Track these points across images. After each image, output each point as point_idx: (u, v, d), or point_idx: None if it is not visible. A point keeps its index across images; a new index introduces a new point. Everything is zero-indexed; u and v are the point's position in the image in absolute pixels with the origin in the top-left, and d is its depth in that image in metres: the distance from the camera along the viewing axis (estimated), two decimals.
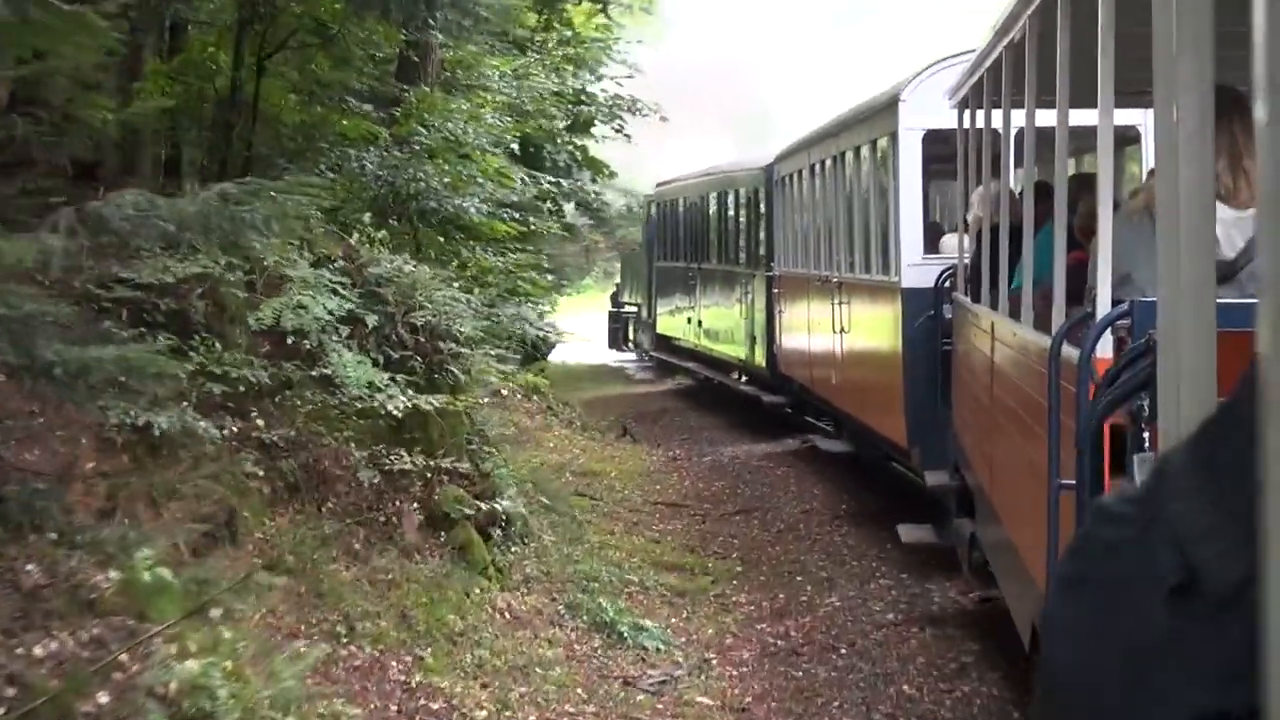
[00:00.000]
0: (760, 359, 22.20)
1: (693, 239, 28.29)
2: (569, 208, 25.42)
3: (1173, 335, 3.25)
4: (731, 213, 25.32)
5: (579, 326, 39.91)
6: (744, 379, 24.40)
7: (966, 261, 11.42)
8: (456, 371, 11.26)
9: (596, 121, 27.05)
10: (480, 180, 15.57)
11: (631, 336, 36.28)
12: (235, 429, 8.85)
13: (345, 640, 8.33)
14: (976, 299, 10.26)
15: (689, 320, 28.24)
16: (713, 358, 26.70)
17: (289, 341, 9.79)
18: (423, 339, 11.13)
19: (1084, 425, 5.20)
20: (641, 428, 23.80)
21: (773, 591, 12.90)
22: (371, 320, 10.67)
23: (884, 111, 14.52)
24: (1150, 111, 7.89)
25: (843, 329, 15.94)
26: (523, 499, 12.66)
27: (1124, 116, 9.49)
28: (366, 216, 12.72)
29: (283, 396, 9.55)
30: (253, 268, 9.92)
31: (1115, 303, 5.52)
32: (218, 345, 9.22)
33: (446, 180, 14.54)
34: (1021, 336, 7.73)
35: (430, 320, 11.20)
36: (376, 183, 14.15)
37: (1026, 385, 7.42)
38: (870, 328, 14.97)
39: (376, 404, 9.75)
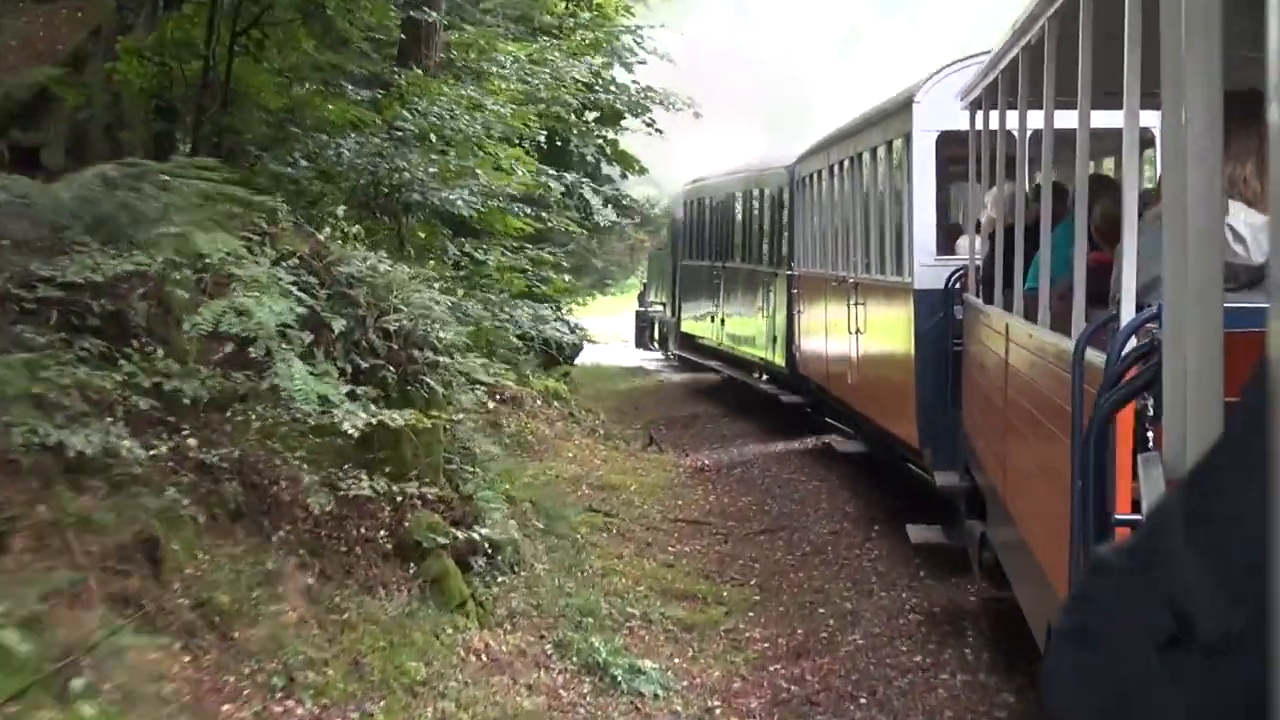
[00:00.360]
0: (780, 359, 22.48)
1: (717, 238, 28.75)
2: (597, 202, 23.92)
3: (1178, 335, 3.38)
4: (755, 212, 25.60)
5: (621, 326, 39.70)
6: (764, 378, 24.72)
7: (979, 262, 11.50)
8: (434, 383, 10.14)
9: (626, 115, 25.23)
10: (478, 172, 14.28)
11: (656, 335, 36.82)
12: (169, 448, 7.83)
13: (280, 695, 7.15)
14: (989, 300, 10.28)
15: (712, 319, 28.76)
16: (735, 357, 27.06)
17: (249, 351, 8.53)
18: (396, 346, 9.96)
19: (1090, 423, 5.27)
20: (671, 434, 22.91)
21: (791, 625, 11.90)
22: (339, 325, 9.29)
23: (899, 113, 14.78)
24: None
25: (859, 330, 16.10)
26: (515, 522, 11.51)
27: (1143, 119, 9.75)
28: (340, 209, 11.39)
29: (233, 411, 8.55)
30: (204, 266, 8.75)
31: (1141, 307, 5.50)
32: (160, 352, 8.21)
33: (433, 171, 13.33)
34: (1039, 338, 7.72)
35: (405, 325, 10.01)
36: (356, 172, 12.79)
37: (1043, 387, 7.47)
38: (885, 329, 15.12)
39: (335, 419, 8.47)
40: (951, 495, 12.55)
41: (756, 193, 25.52)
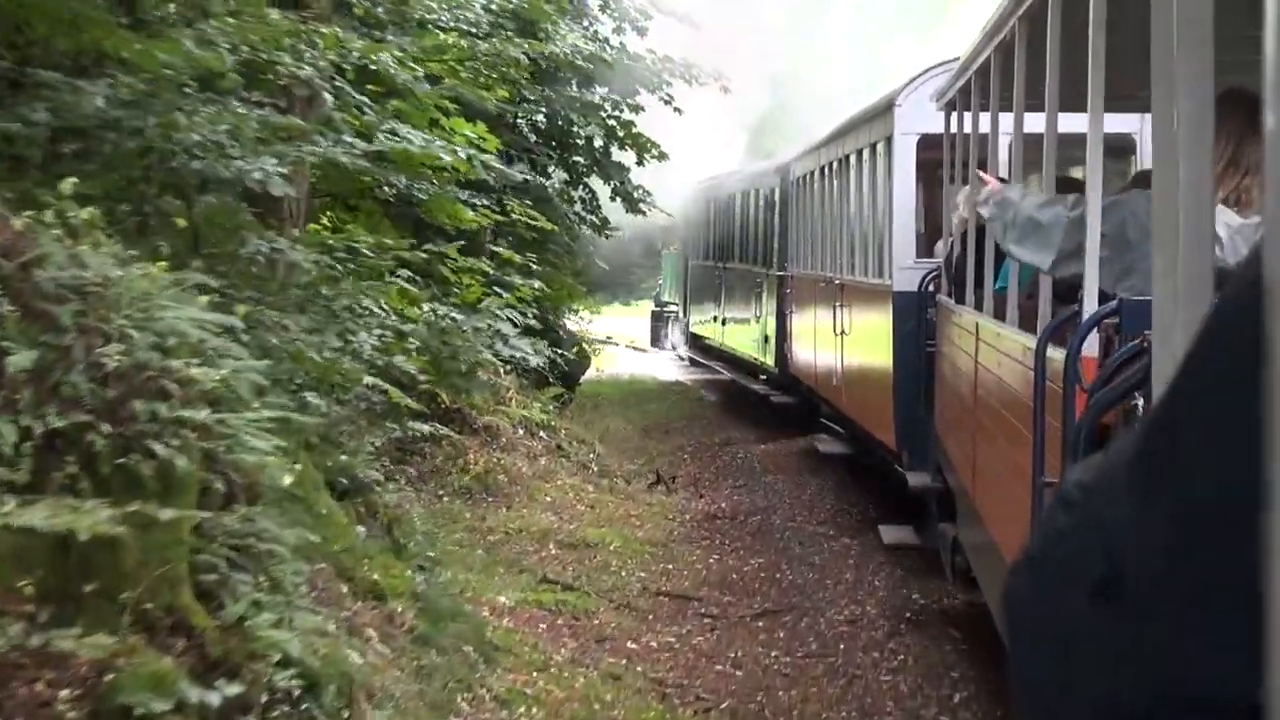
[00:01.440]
0: (771, 359, 22.65)
1: (721, 239, 29.02)
2: (605, 193, 21.71)
3: (1168, 336, 3.28)
4: (751, 213, 25.76)
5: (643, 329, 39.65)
6: (762, 378, 24.91)
7: (951, 263, 11.49)
8: (171, 454, 5.87)
9: (640, 91, 21.06)
10: (328, 135, 10.02)
11: (669, 335, 37.16)
12: None
13: None
14: (960, 300, 10.34)
15: (715, 319, 29.19)
16: (735, 357, 27.37)
17: None
18: (116, 393, 6.01)
19: (1076, 425, 5.18)
20: (694, 466, 19.55)
21: None
22: (22, 360, 5.73)
23: (881, 116, 14.98)
24: (1147, 117, 8.26)
25: (844, 331, 16.25)
26: (357, 640, 7.38)
27: (1120, 123, 10.29)
28: (68, 184, 6.74)
29: None
30: None
31: (1112, 297, 5.55)
32: None
33: (226, 129, 8.46)
34: (1006, 337, 7.78)
35: (137, 361, 6.11)
36: (117, 131, 8.18)
37: (1011, 386, 7.52)
38: (867, 330, 15.26)
39: None
40: (924, 497, 12.62)
41: (753, 194, 25.70)
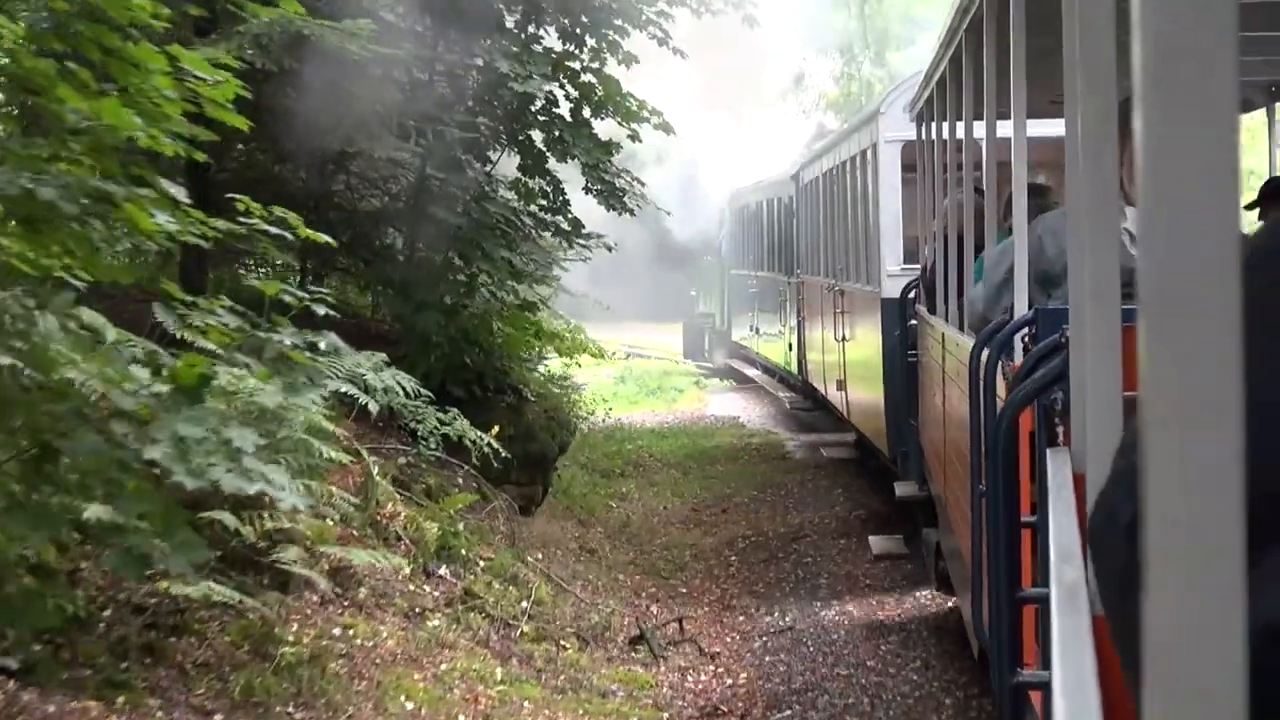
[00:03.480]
0: (794, 366, 22.68)
1: (754, 246, 29.12)
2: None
3: (1081, 332, 3.43)
4: (774, 221, 25.92)
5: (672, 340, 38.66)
6: (791, 386, 24.99)
7: (926, 272, 11.60)
8: None
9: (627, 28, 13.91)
10: None
11: (706, 346, 36.73)
12: None
13: None
14: (932, 310, 10.39)
15: (751, 328, 29.30)
16: (768, 365, 27.56)
17: None
18: None
19: (994, 425, 5.13)
20: (742, 573, 13.35)
21: None
22: None
23: (868, 123, 15.10)
24: None
25: (845, 337, 16.26)
26: None
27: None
28: None
29: None
30: None
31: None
32: None
33: None
34: (961, 344, 7.81)
35: None
36: None
37: (964, 391, 7.54)
38: (862, 337, 15.29)
39: None
40: (910, 505, 12.71)
41: (775, 201, 25.88)
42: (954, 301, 8.80)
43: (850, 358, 16.16)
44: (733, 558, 13.84)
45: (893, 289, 13.42)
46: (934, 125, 10.51)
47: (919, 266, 13.17)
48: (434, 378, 11.86)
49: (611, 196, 14.00)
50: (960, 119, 8.27)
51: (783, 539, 14.34)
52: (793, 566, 13.24)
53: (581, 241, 14.35)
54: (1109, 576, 1.20)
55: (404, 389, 10.04)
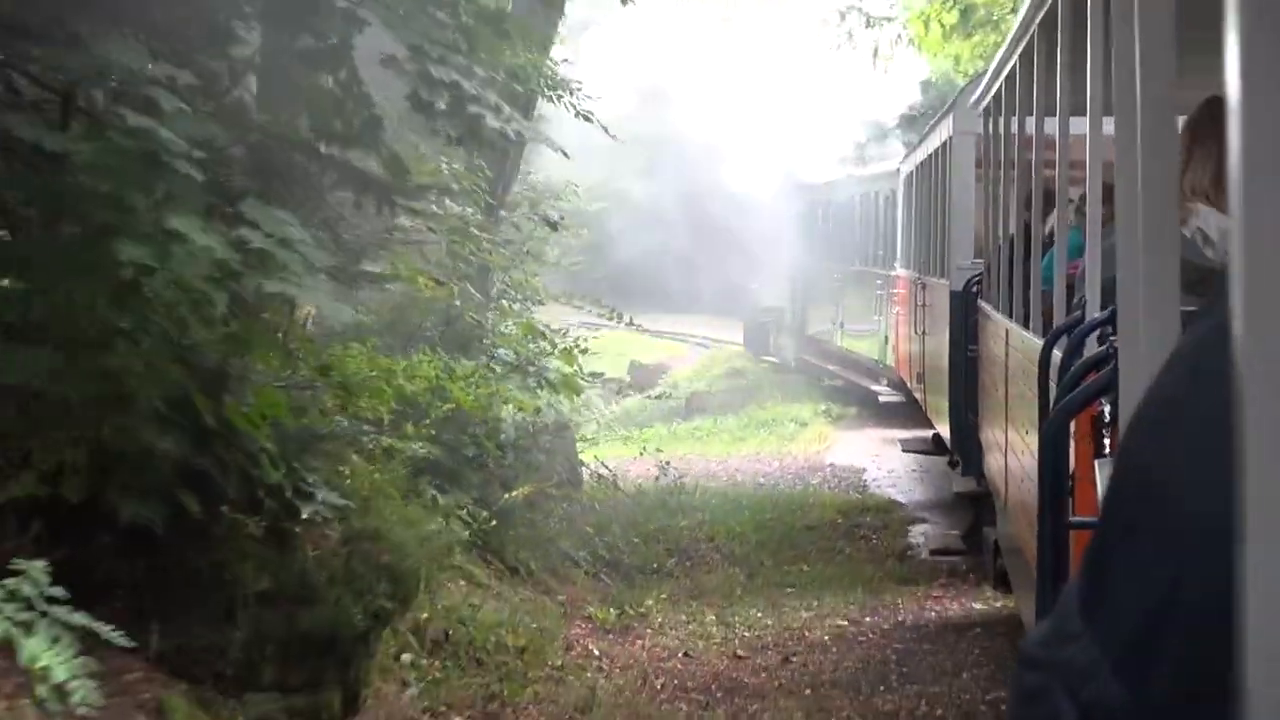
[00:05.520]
0: (890, 359, 22.68)
1: (839, 240, 29.09)
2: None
3: (1133, 341, 3.30)
4: (872, 215, 25.94)
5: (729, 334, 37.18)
6: (883, 383, 24.77)
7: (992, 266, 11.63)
8: None
9: None
10: None
11: (771, 342, 36.33)
12: None
13: None
14: (996, 306, 10.34)
15: (833, 322, 29.06)
16: (853, 359, 27.31)
17: None
18: None
19: (1046, 430, 5.09)
20: None
21: None
22: None
23: (945, 116, 15.24)
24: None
25: (924, 331, 16.31)
26: None
27: None
28: None
29: None
30: None
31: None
32: None
33: None
34: (1027, 341, 7.80)
35: None
36: None
37: (1029, 390, 7.48)
38: (936, 331, 15.31)
39: None
40: (969, 501, 12.69)
41: (873, 195, 25.96)
42: (1019, 298, 8.75)
43: (927, 350, 16.28)
44: None
45: (961, 283, 13.44)
46: (1000, 120, 10.46)
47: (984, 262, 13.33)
48: (75, 486, 5.91)
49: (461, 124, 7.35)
50: (1031, 114, 8.20)
51: None
52: None
53: (414, 206, 8.40)
54: None
55: None
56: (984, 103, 11.67)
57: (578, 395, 10.81)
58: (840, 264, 28.50)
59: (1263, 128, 0.69)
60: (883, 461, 19.18)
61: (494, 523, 10.54)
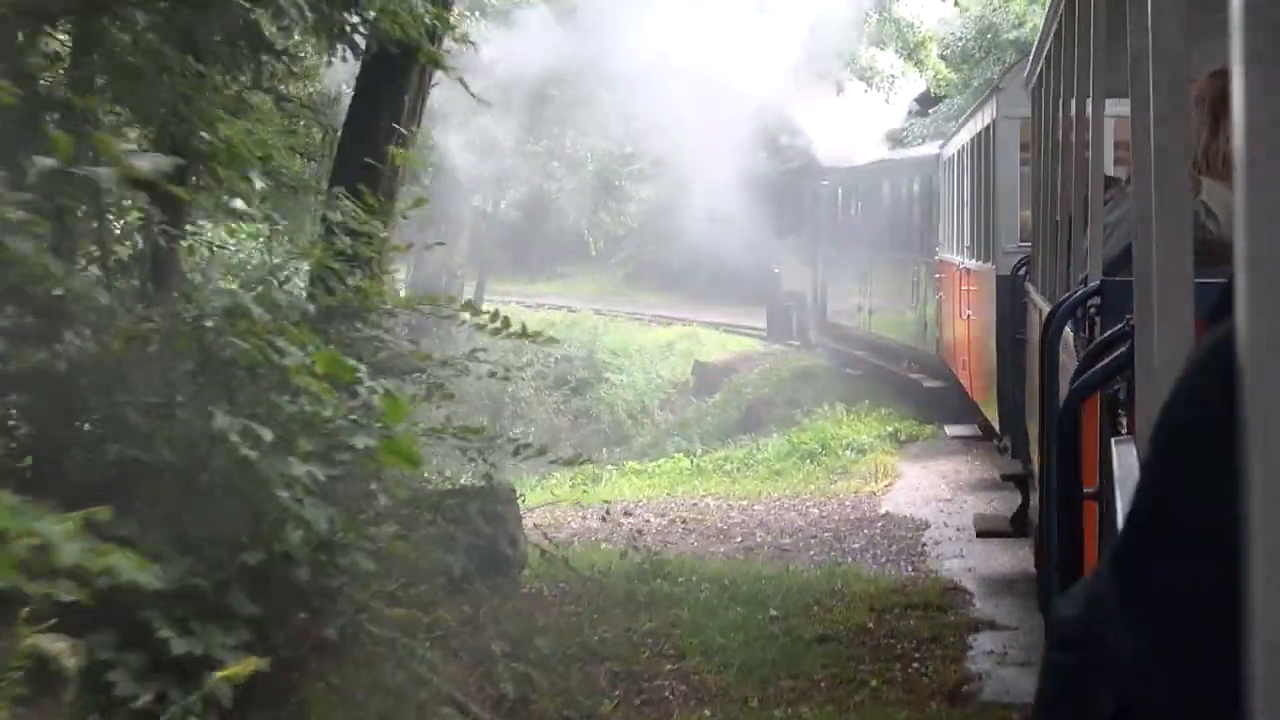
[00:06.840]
0: (931, 346, 22.62)
1: (867, 226, 28.95)
2: None
3: (1148, 318, 3.24)
4: (905, 199, 25.87)
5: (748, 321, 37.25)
6: (914, 366, 24.84)
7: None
8: None
9: None
10: None
11: (794, 327, 36.31)
12: None
13: None
14: (1038, 286, 10.30)
15: (859, 308, 28.92)
16: (883, 345, 27.16)
17: None
18: None
19: (1053, 409, 5.06)
20: None
21: None
22: None
23: (989, 99, 15.34)
24: None
25: (970, 315, 16.28)
26: None
27: None
28: None
29: None
30: None
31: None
32: None
33: None
34: None
35: None
36: None
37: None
38: (981, 315, 15.30)
39: None
40: (1015, 483, 12.57)
41: (906, 180, 25.85)
42: (1060, 282, 8.57)
43: (973, 335, 16.24)
44: None
45: (1007, 267, 13.43)
46: (1045, 103, 10.32)
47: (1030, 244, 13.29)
48: None
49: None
50: (1072, 96, 8.15)
51: None
52: None
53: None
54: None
55: None
56: (1030, 83, 11.58)
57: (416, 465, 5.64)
58: (872, 250, 28.31)
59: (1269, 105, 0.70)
60: (952, 511, 14.98)
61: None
